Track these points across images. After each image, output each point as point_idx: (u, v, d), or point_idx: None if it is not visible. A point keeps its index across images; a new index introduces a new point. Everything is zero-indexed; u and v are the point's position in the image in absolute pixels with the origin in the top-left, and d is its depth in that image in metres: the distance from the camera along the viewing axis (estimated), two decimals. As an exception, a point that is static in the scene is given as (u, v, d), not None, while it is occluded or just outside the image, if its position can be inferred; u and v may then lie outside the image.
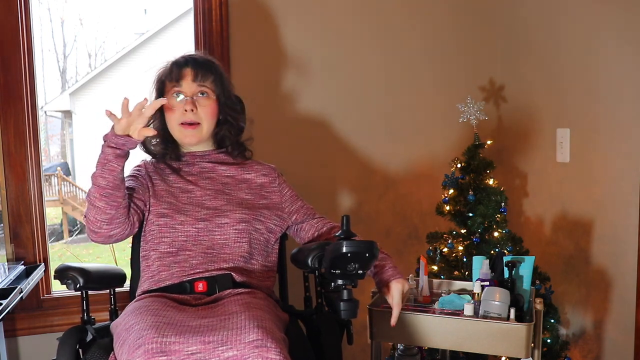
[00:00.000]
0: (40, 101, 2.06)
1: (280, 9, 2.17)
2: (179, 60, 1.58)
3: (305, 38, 2.22)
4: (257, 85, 2.16)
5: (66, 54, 13.78)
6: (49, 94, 12.57)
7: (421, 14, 2.33)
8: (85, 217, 1.46)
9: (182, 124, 1.54)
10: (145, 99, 1.38)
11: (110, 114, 1.39)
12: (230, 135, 1.63)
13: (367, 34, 2.28)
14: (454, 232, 2.03)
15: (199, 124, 1.55)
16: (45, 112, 12.07)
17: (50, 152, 13.24)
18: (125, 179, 1.57)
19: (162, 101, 1.41)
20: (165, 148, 1.61)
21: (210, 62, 1.60)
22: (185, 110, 1.53)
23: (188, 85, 1.54)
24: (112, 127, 1.39)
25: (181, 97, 1.55)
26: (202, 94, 1.55)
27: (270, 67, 2.19)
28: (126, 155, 1.42)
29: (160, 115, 1.60)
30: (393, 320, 1.48)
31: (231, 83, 1.67)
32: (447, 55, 2.37)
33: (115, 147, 1.39)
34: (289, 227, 1.66)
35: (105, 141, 1.40)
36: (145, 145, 1.63)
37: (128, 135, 1.38)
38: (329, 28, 2.24)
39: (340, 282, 1.34)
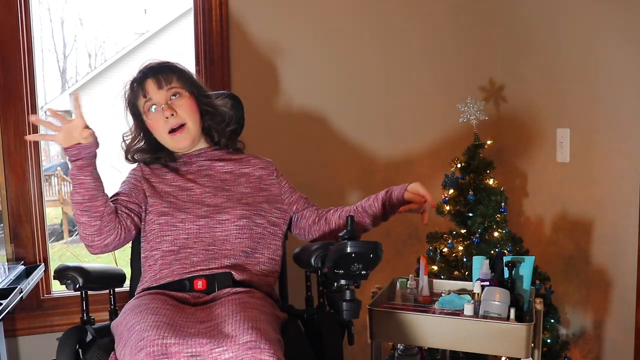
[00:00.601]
0: (40, 101, 2.06)
1: (280, 8, 2.17)
2: (137, 77, 1.58)
3: (305, 38, 2.22)
4: (257, 85, 2.16)
5: (66, 54, 13.77)
6: (49, 94, 12.57)
7: (421, 14, 2.33)
8: (80, 238, 1.48)
9: (170, 132, 1.55)
10: (51, 110, 1.39)
11: (33, 138, 1.40)
12: (215, 124, 1.63)
13: (367, 34, 2.28)
14: (454, 232, 2.02)
15: (184, 124, 1.55)
16: (45, 112, 12.06)
17: (50, 152, 13.22)
18: (120, 185, 1.60)
19: (76, 93, 1.40)
20: (156, 153, 1.62)
21: (165, 63, 1.59)
22: (167, 118, 1.53)
23: (156, 94, 1.54)
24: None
25: (154, 107, 1.55)
26: (174, 95, 1.55)
27: (270, 67, 2.19)
28: (90, 163, 1.42)
29: (143, 133, 1.61)
30: (426, 213, 1.54)
31: (196, 77, 1.66)
32: (447, 55, 2.37)
33: (74, 159, 1.39)
34: (291, 218, 1.66)
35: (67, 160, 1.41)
36: (133, 157, 1.63)
37: (78, 144, 1.37)
38: (329, 28, 2.24)
39: (343, 282, 1.34)
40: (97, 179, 1.43)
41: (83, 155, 1.39)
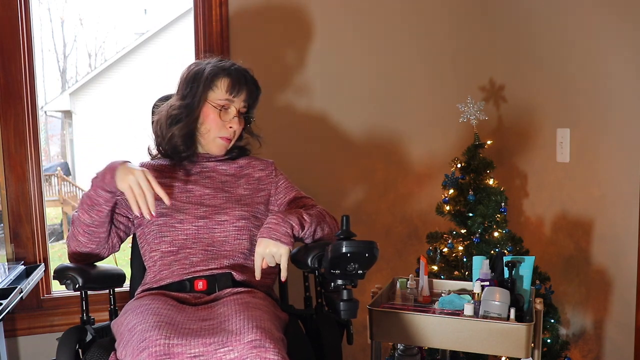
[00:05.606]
0: (40, 101, 2.06)
1: (280, 9, 2.17)
2: (235, 75, 1.56)
3: (305, 38, 2.22)
4: (257, 85, 2.16)
5: (66, 54, 13.78)
6: (49, 94, 12.58)
7: (421, 14, 2.33)
8: (67, 241, 1.51)
9: (220, 137, 1.57)
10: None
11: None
12: (239, 140, 1.67)
13: (367, 34, 2.28)
14: (454, 232, 2.02)
15: (231, 140, 1.60)
16: (45, 112, 12.06)
17: (50, 152, 13.23)
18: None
19: (165, 199, 1.40)
20: (187, 149, 1.59)
21: (258, 85, 1.63)
22: (231, 127, 1.57)
23: (240, 102, 1.58)
24: (112, 175, 1.38)
25: (230, 110, 1.56)
26: (244, 114, 1.61)
27: (271, 67, 2.19)
28: (115, 198, 1.45)
29: (187, 115, 1.56)
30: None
31: None
32: (447, 55, 2.37)
33: (109, 190, 1.41)
34: None
35: (97, 177, 1.41)
36: (175, 145, 1.58)
37: None
38: (329, 28, 2.24)
39: (340, 282, 1.33)
40: (112, 212, 1.49)
41: (119, 194, 1.43)
